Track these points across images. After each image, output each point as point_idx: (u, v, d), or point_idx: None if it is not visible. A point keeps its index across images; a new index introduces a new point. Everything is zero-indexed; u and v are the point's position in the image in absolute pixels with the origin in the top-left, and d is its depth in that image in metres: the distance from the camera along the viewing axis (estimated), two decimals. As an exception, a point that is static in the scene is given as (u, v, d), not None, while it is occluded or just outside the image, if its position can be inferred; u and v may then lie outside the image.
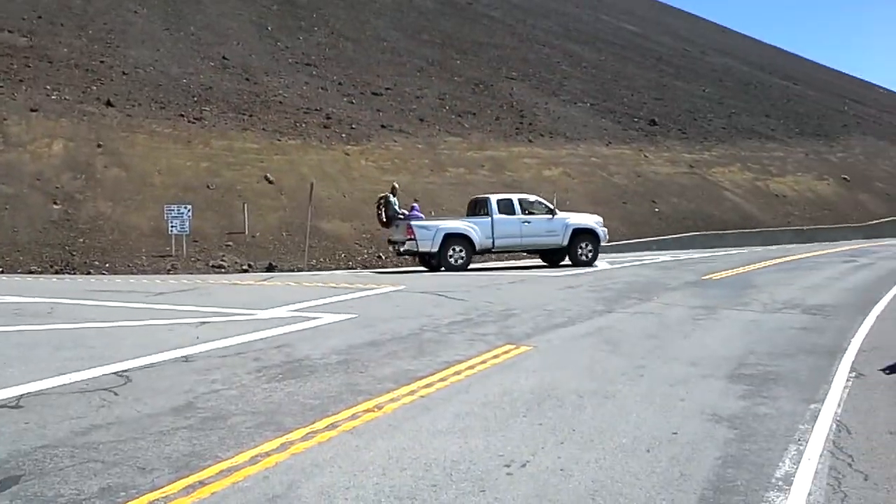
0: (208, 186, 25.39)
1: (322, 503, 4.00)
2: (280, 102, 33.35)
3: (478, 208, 20.59)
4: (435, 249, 19.25)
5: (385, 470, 4.48)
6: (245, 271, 20.70)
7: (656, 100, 49.17)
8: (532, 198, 21.17)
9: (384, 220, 20.78)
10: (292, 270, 20.92)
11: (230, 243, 22.72)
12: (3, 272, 19.37)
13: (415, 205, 21.16)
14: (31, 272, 19.48)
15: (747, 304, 12.12)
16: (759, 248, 29.43)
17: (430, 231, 19.18)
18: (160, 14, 39.99)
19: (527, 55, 51.15)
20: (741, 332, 9.52)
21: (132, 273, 19.82)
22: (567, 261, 20.74)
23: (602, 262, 21.00)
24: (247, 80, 34.91)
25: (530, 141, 36.93)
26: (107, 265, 20.28)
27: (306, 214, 22.51)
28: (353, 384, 6.57)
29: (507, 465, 4.57)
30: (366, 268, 22.16)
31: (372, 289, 14.47)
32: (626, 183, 35.16)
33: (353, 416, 5.58)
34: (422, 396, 6.18)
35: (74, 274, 19.45)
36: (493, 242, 19.85)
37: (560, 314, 10.80)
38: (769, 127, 50.44)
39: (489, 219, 19.77)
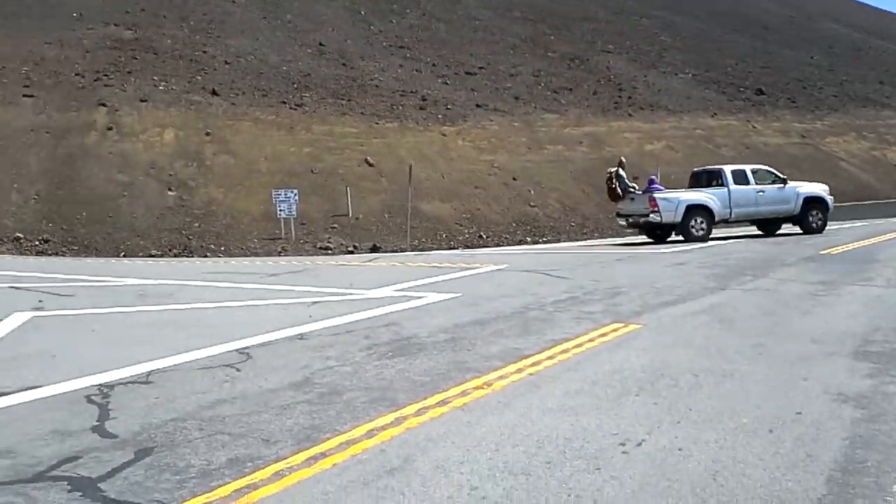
0: (312, 171, 26.08)
1: (438, 476, 4.05)
2: (376, 86, 33.82)
3: (707, 180, 20.64)
4: (678, 221, 19.44)
5: (498, 446, 4.50)
6: (351, 252, 21.21)
7: (762, 68, 46.97)
8: (761, 168, 21.38)
9: (618, 193, 20.82)
10: (395, 251, 21.28)
11: (335, 226, 23.31)
12: (125, 256, 20.55)
13: (653, 177, 21.12)
14: (151, 256, 20.57)
15: (871, 279, 11.46)
16: (881, 221, 27.73)
17: (672, 203, 19.42)
18: (257, 3, 41.19)
19: (623, 27, 49.85)
20: (864, 308, 9.01)
21: (245, 255, 20.64)
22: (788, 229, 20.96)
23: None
24: (343, 65, 35.55)
25: (630, 115, 36.06)
26: (222, 248, 21.22)
27: (406, 196, 22.80)
28: (461, 362, 6.62)
29: (622, 444, 4.50)
30: (467, 247, 22.26)
31: (474, 268, 14.52)
32: (733, 155, 33.80)
33: (463, 393, 5.62)
34: (530, 374, 6.16)
35: (192, 257, 20.42)
36: (731, 213, 20.00)
37: (669, 292, 10.52)
38: (884, 94, 47.33)
39: (725, 189, 19.86)
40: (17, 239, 21.35)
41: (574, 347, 7.09)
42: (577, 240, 23.55)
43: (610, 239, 23.93)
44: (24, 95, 27.78)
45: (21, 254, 20.63)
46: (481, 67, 38.46)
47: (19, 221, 22.10)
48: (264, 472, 4.13)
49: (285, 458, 4.33)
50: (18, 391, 5.83)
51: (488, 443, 4.56)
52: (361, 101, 31.91)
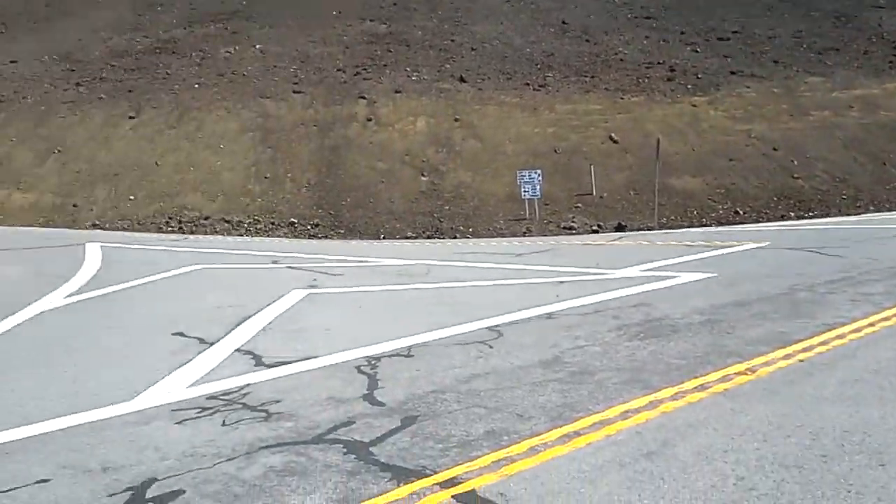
0: (555, 151, 26.11)
1: (700, 464, 3.88)
2: (621, 60, 32.92)
3: None
4: None
5: (766, 436, 4.21)
6: (595, 232, 20.98)
7: None
8: None
9: None
10: (642, 229, 20.68)
11: (579, 205, 23.18)
12: (384, 238, 22.09)
13: None
14: (407, 237, 21.93)
15: None
16: None
17: None
18: (501, -13, 41.80)
19: (901, -25, 43.72)
20: None
21: (492, 236, 21.26)
22: None
23: None
24: (587, 41, 35.02)
25: (911, 74, 31.64)
26: (470, 230, 22.04)
27: (654, 172, 22.00)
28: (719, 345, 6.28)
29: (915, 441, 4.00)
30: (721, 224, 21.03)
31: (732, 246, 13.66)
32: None
33: (724, 378, 5.33)
34: (800, 360, 5.68)
35: (443, 238, 21.46)
36: None
37: (968, 271, 9.15)
38: None
39: None
40: (292, 223, 23.80)
41: (851, 332, 6.42)
42: (850, 214, 21.22)
43: (888, 213, 21.28)
44: (294, 92, 30.80)
45: (295, 237, 22.99)
46: (735, 32, 35.90)
47: (293, 207, 24.62)
48: (520, 447, 4.23)
49: (539, 434, 4.40)
50: (299, 360, 6.51)
51: (755, 432, 4.28)
52: (605, 76, 31.28)
